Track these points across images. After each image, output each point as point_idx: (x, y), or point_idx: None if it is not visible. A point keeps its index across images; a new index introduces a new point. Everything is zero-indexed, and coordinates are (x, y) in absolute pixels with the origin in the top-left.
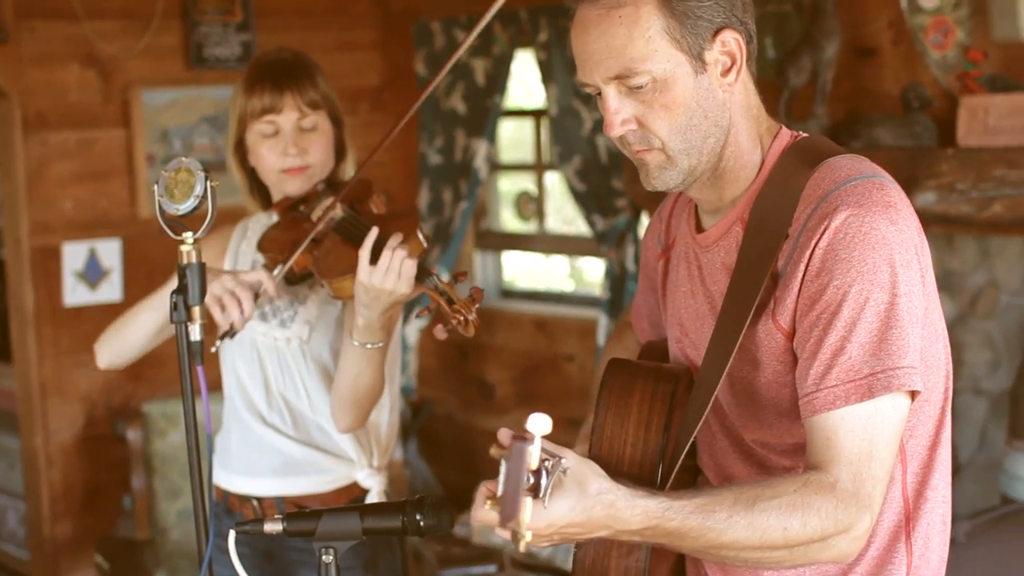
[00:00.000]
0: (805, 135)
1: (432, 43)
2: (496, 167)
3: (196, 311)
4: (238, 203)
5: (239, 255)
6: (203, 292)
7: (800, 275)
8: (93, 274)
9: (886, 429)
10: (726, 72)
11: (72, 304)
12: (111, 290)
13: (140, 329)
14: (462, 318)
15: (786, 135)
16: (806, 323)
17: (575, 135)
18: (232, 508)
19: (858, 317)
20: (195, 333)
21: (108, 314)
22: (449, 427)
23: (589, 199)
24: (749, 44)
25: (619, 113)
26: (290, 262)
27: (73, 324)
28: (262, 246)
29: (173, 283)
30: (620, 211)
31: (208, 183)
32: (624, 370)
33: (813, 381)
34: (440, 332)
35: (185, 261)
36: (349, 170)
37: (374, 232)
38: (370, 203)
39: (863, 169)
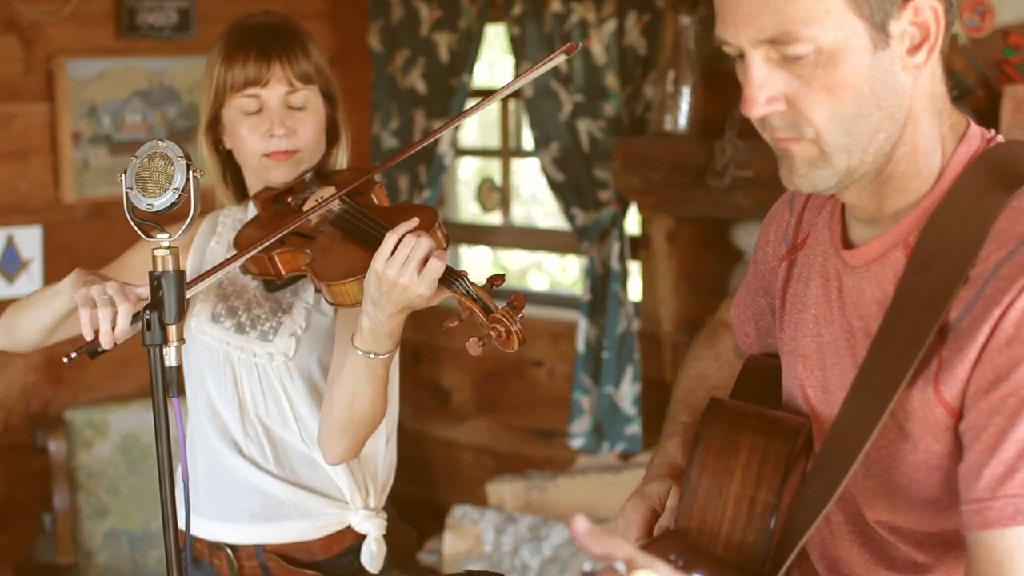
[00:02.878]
0: (1001, 139)
1: (389, 15)
2: (459, 152)
3: (172, 331)
4: (206, 187)
5: (206, 255)
6: (181, 307)
7: (982, 339)
8: (10, 265)
9: None
10: (914, 49)
11: None
12: (30, 283)
13: (31, 324)
14: (503, 329)
15: (975, 137)
16: (984, 405)
17: (552, 119)
18: (199, 556)
19: None
20: (171, 358)
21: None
22: (400, 436)
23: (568, 190)
24: (948, 13)
25: (765, 87)
26: (266, 243)
27: None
28: (239, 244)
29: (64, 281)
30: (604, 204)
31: (191, 173)
32: (728, 417)
33: (988, 485)
34: (474, 347)
35: (160, 269)
36: (342, 158)
37: (413, 221)
38: (371, 194)
39: None
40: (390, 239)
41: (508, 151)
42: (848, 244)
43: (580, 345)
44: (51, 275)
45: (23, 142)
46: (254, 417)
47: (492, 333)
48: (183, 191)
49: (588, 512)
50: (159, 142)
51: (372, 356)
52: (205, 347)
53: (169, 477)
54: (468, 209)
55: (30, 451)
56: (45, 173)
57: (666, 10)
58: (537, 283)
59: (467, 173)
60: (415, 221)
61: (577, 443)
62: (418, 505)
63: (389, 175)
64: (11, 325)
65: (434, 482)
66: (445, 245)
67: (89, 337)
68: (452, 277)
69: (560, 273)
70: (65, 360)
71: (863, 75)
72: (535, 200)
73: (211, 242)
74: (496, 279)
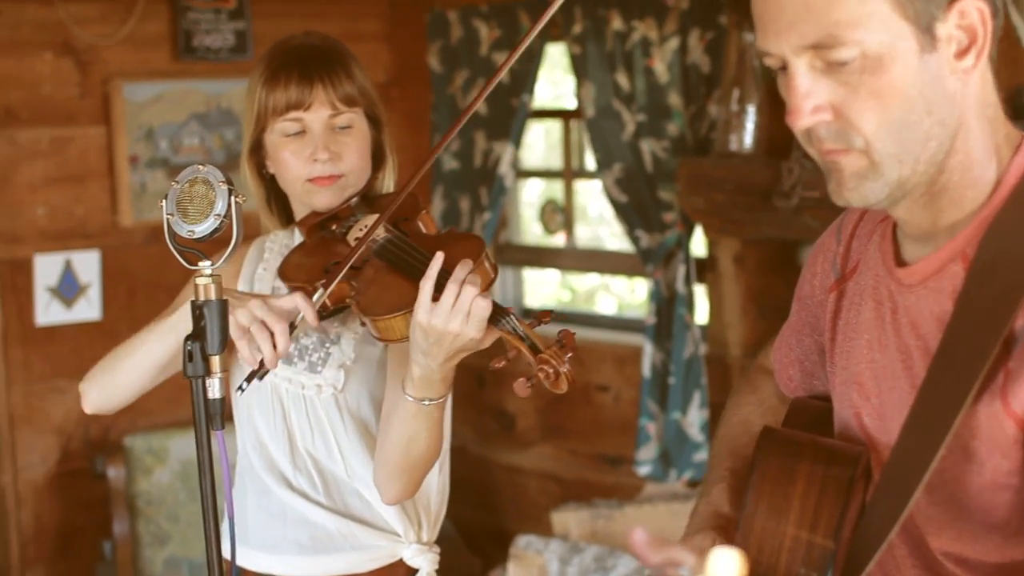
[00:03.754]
0: None
1: (448, 35)
2: (521, 174)
3: (215, 362)
4: (250, 211)
5: (255, 282)
6: (224, 337)
7: None
8: (68, 290)
9: None
10: (962, 53)
11: (45, 323)
12: (89, 308)
13: (139, 368)
14: (551, 370)
15: None
16: None
17: (615, 139)
18: None
19: None
20: (214, 390)
21: (85, 334)
22: (463, 461)
23: (632, 212)
24: (995, 17)
25: (810, 97)
26: (332, 286)
27: (46, 346)
28: (285, 273)
29: (181, 312)
30: (669, 226)
31: (232, 199)
32: (783, 446)
33: None
34: (522, 388)
35: (202, 297)
36: (388, 182)
37: (439, 258)
38: (417, 221)
39: None
40: (425, 286)
41: (571, 172)
42: (902, 263)
43: (646, 370)
44: (109, 299)
45: (80, 166)
46: (303, 450)
47: (540, 374)
48: (225, 217)
49: None
50: (200, 167)
51: (426, 403)
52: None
53: (213, 511)
54: (532, 231)
55: (90, 477)
56: (102, 197)
57: (730, 27)
58: (606, 304)
59: (531, 195)
60: (440, 257)
61: (644, 470)
62: (483, 532)
63: (450, 197)
64: (105, 379)
65: (499, 509)
66: (493, 276)
67: (255, 365)
68: (499, 315)
69: (629, 294)
70: (239, 393)
71: (911, 80)
72: (602, 221)
73: (258, 268)
74: (544, 315)
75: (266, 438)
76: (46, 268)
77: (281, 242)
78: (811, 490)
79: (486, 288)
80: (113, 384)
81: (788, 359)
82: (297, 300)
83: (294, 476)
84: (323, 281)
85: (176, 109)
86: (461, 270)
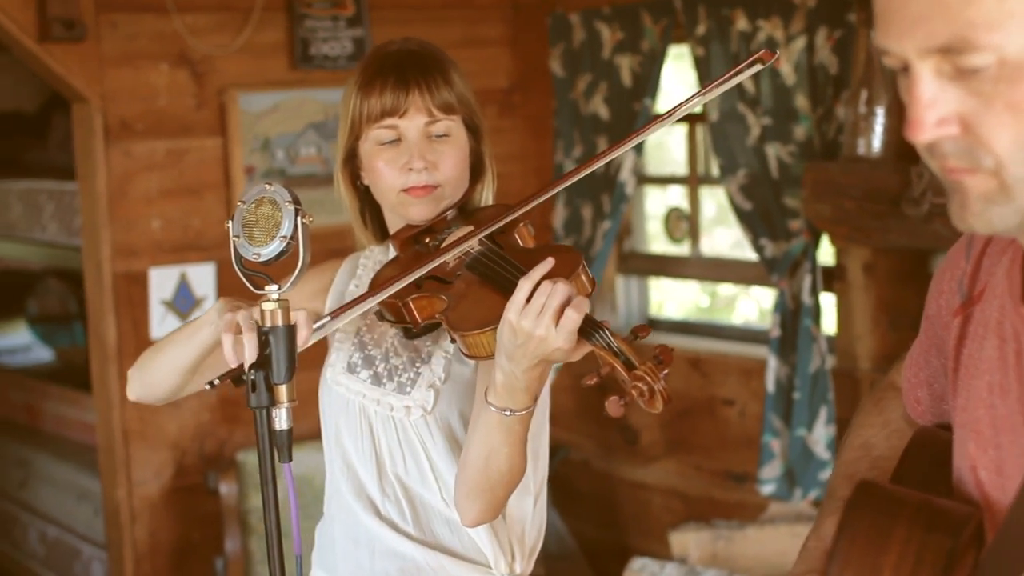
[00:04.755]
0: None
1: (570, 38)
2: (643, 180)
3: (282, 391)
4: (345, 222)
5: (345, 299)
6: (292, 365)
7: None
8: (184, 303)
9: None
10: None
11: (160, 337)
12: None
13: (168, 369)
14: (645, 388)
15: None
16: None
17: (739, 144)
18: None
19: None
20: (281, 420)
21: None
22: (586, 476)
23: (756, 220)
24: None
25: (935, 107)
26: (339, 318)
27: None
28: (375, 288)
29: (203, 318)
30: (795, 234)
31: (299, 220)
32: (878, 504)
33: None
34: (615, 407)
35: (268, 324)
36: (487, 194)
37: (548, 263)
38: (514, 234)
39: None
40: (524, 285)
41: (696, 178)
42: None
43: (770, 385)
44: None
45: (196, 178)
46: (392, 475)
47: (634, 391)
48: (291, 239)
49: (777, 566)
50: (267, 186)
51: (508, 413)
52: (340, 399)
53: (278, 551)
54: (658, 239)
55: (203, 493)
56: (218, 209)
57: (859, 25)
58: (746, 310)
59: (656, 202)
60: (550, 263)
61: (767, 489)
62: (605, 549)
63: (572, 205)
64: (146, 368)
65: (622, 525)
66: (590, 290)
67: (233, 364)
68: (592, 328)
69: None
70: (207, 387)
71: None
72: (729, 228)
73: (350, 286)
74: (641, 330)
75: (355, 463)
76: (161, 281)
77: (376, 258)
78: (905, 560)
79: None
80: (150, 380)
81: (917, 379)
82: (297, 316)
83: (383, 503)
84: (334, 311)
85: (293, 119)
86: (556, 277)
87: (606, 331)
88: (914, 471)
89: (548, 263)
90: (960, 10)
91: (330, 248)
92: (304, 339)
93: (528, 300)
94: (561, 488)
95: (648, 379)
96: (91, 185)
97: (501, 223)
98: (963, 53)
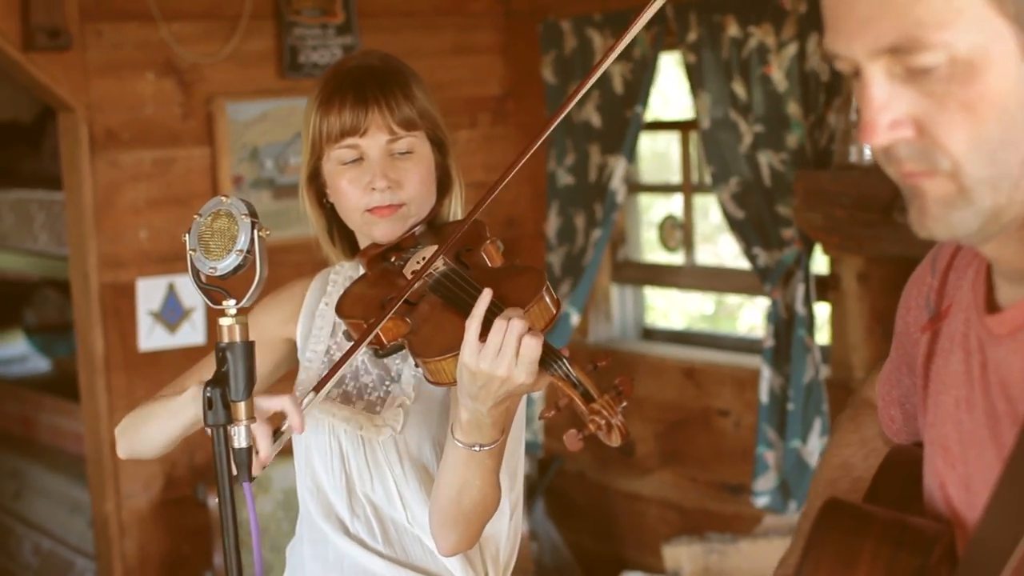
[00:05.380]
0: None
1: (562, 45)
2: (637, 188)
3: (240, 408)
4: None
5: (316, 318)
6: (250, 382)
7: None
8: (172, 314)
9: None
10: None
11: (148, 348)
12: (193, 332)
13: (156, 434)
14: (603, 422)
15: None
16: None
17: (731, 152)
18: None
19: None
20: (240, 438)
21: (190, 360)
22: (581, 487)
23: (748, 228)
24: None
25: (887, 109)
26: (323, 390)
27: (149, 371)
28: (341, 308)
29: (189, 394)
30: (787, 243)
31: (255, 233)
32: (845, 522)
33: None
34: (573, 441)
35: (226, 340)
36: (455, 208)
37: (486, 296)
38: (481, 252)
39: None
40: (471, 326)
41: (690, 186)
42: (994, 308)
43: (763, 395)
44: (214, 324)
45: (183, 187)
46: (361, 495)
47: (591, 425)
48: (248, 253)
49: None
50: (223, 198)
51: (476, 449)
52: (310, 418)
53: (238, 570)
54: (654, 248)
55: (193, 506)
56: None
57: None
58: (751, 318)
59: (657, 211)
60: (488, 295)
61: (762, 501)
62: (600, 560)
63: (565, 214)
64: (132, 435)
65: (617, 537)
66: (555, 312)
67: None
68: (550, 357)
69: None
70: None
71: (1009, 89)
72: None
73: (321, 303)
74: (601, 357)
75: (324, 482)
76: (149, 292)
77: (346, 274)
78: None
79: (546, 326)
80: (138, 447)
81: (890, 398)
82: (284, 403)
83: (351, 522)
84: (316, 385)
85: (282, 128)
86: (512, 309)
87: (564, 361)
88: (888, 490)
89: (487, 295)
90: (908, 9)
91: (318, 259)
92: (298, 425)
93: (483, 338)
94: (556, 499)
95: (606, 413)
96: (77, 195)
97: (457, 233)
98: (913, 53)
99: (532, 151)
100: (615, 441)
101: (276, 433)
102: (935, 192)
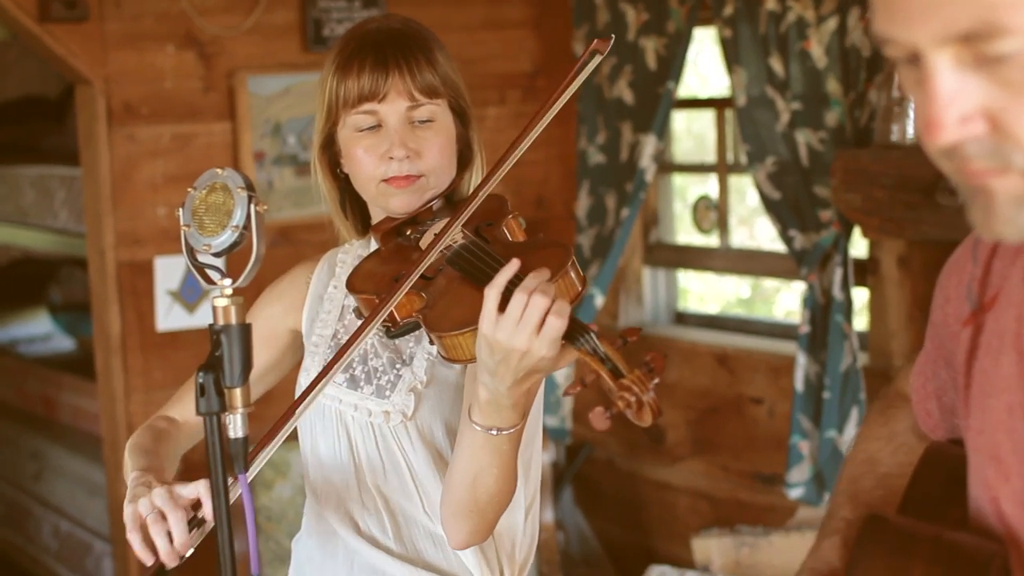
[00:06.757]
0: None
1: (594, 20)
2: (670, 168)
3: (236, 395)
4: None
5: (324, 302)
6: (247, 367)
7: None
8: (191, 294)
9: None
10: None
11: (166, 329)
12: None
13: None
14: (633, 399)
15: None
16: None
17: (768, 130)
18: None
19: None
20: (236, 428)
21: (208, 341)
22: (611, 475)
23: (785, 210)
24: None
25: (956, 103)
26: (272, 445)
27: (167, 352)
28: (353, 283)
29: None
30: (825, 225)
31: (252, 208)
32: (893, 541)
33: None
34: (600, 419)
35: (221, 321)
36: (476, 183)
37: (512, 265)
38: (503, 227)
39: None
40: (490, 294)
41: (725, 166)
42: None
43: (798, 383)
44: None
45: (203, 163)
46: (372, 486)
47: (620, 402)
48: (244, 229)
49: None
50: (218, 170)
51: (494, 432)
52: (315, 405)
53: (231, 568)
54: (688, 230)
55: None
56: None
57: None
58: (788, 302)
59: (693, 191)
60: (515, 264)
61: (795, 493)
62: (630, 550)
63: (596, 193)
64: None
65: (647, 527)
66: (580, 289)
67: (148, 562)
68: (576, 331)
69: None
70: None
71: None
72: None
73: (329, 286)
74: (630, 333)
75: (331, 473)
76: (167, 271)
77: (355, 253)
78: None
79: (571, 303)
80: None
81: (925, 391)
82: (200, 489)
83: (362, 517)
84: (262, 439)
85: (305, 103)
86: (533, 279)
87: (592, 335)
88: (927, 494)
89: (514, 265)
90: None
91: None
92: (210, 517)
93: (502, 309)
94: (585, 487)
95: (636, 389)
96: (94, 171)
97: (474, 202)
98: (989, 39)
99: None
100: (646, 420)
101: (192, 521)
102: (1007, 191)
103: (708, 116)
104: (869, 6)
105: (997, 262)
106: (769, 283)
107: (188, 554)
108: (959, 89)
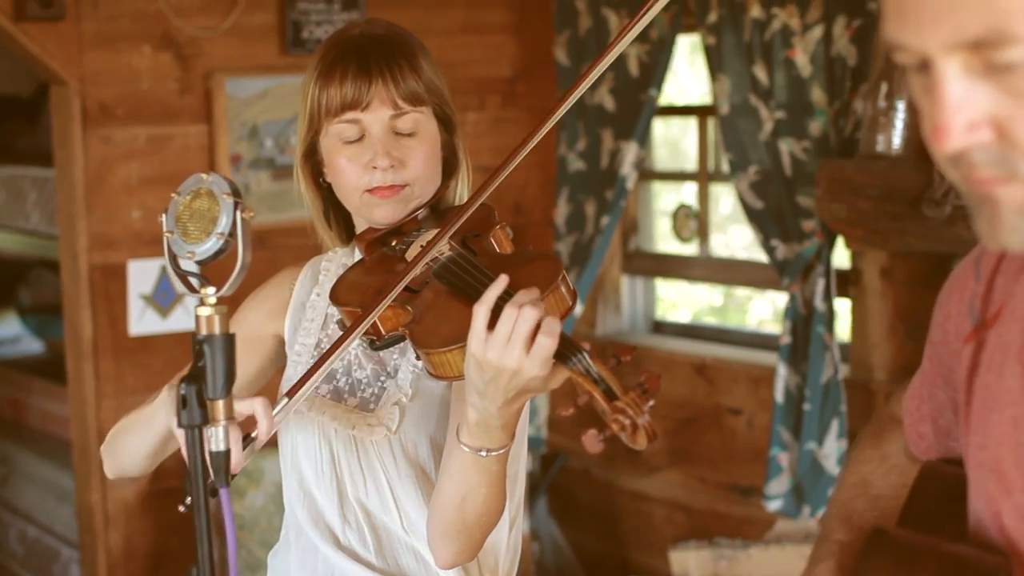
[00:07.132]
0: None
1: (576, 25)
2: (650, 176)
3: (218, 407)
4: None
5: (306, 310)
6: (229, 379)
7: None
8: (164, 298)
9: None
10: None
11: (139, 333)
12: (186, 318)
13: (135, 450)
14: (628, 422)
15: None
16: None
17: (751, 139)
18: None
19: None
20: (217, 441)
21: (182, 346)
22: (586, 485)
23: (767, 219)
24: None
25: (964, 110)
26: (295, 402)
27: (139, 357)
28: (337, 294)
29: (160, 400)
30: (808, 235)
31: (238, 215)
32: (896, 555)
33: None
34: (593, 442)
35: (204, 331)
36: (461, 192)
37: (501, 281)
38: (490, 238)
39: None
40: (479, 312)
41: (706, 174)
42: None
43: (778, 394)
44: None
45: (179, 166)
46: (354, 500)
47: (614, 425)
48: (230, 236)
49: None
50: (204, 175)
51: (483, 453)
52: (297, 417)
53: None
54: (667, 238)
55: (181, 498)
56: None
57: (879, 14)
58: (761, 310)
59: (670, 199)
60: (504, 280)
61: (774, 505)
62: (604, 561)
63: (575, 200)
64: (114, 452)
65: (622, 538)
66: (570, 304)
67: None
68: (568, 350)
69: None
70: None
71: None
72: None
73: (312, 294)
74: (624, 352)
75: (312, 486)
76: (141, 275)
77: (339, 261)
78: None
79: (560, 319)
80: (121, 464)
81: (920, 414)
82: (256, 406)
83: (343, 531)
84: (288, 391)
85: (282, 106)
86: (524, 294)
87: (584, 354)
88: (925, 511)
89: (502, 281)
90: None
91: (318, 244)
92: (266, 430)
93: (491, 326)
94: (560, 497)
95: (631, 412)
96: (68, 172)
97: (462, 214)
98: (998, 47)
99: (542, 133)
100: (640, 444)
101: (246, 439)
102: (1012, 200)
103: (682, 123)
104: (881, 12)
105: (1000, 278)
106: (742, 291)
107: (236, 473)
108: (967, 96)
